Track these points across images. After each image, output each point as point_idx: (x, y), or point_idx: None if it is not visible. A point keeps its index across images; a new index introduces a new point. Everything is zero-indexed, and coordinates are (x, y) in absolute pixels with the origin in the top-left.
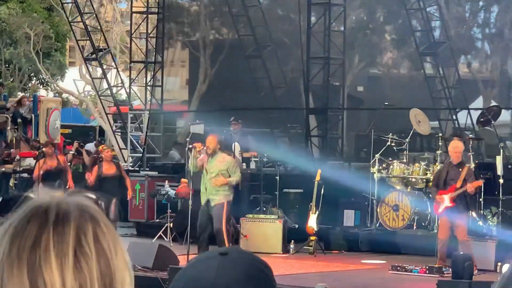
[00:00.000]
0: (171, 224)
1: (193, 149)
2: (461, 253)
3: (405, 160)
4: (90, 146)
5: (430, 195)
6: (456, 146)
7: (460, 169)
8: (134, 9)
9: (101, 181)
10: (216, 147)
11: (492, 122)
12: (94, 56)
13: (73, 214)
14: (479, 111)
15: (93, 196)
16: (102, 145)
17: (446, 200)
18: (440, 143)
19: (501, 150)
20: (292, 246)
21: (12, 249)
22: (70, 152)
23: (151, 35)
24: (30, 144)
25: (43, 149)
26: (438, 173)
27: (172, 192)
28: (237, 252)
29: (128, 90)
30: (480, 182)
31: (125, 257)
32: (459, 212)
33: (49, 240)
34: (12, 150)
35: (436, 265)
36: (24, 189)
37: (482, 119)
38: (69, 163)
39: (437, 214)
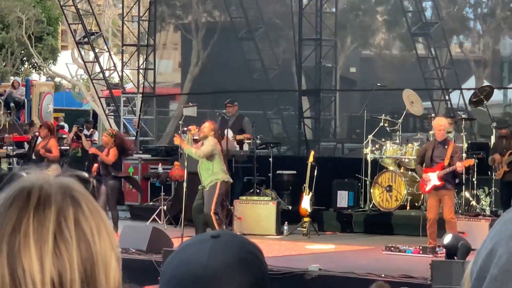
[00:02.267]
0: (165, 207)
1: (187, 132)
2: (450, 235)
3: (398, 141)
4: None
5: (416, 173)
6: (439, 124)
7: (446, 147)
8: None
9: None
10: (209, 134)
11: (485, 102)
12: (86, 39)
13: (55, 198)
14: (472, 91)
15: (85, 175)
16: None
17: (434, 178)
18: (432, 124)
19: (494, 130)
20: (285, 227)
21: None
22: (63, 136)
23: (143, 18)
24: (23, 128)
25: (39, 131)
26: (422, 151)
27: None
28: (229, 235)
29: (120, 74)
30: (472, 161)
31: (111, 240)
32: (447, 190)
33: (28, 225)
34: (5, 134)
35: (429, 245)
36: None
37: (474, 99)
38: (68, 147)
39: (423, 192)
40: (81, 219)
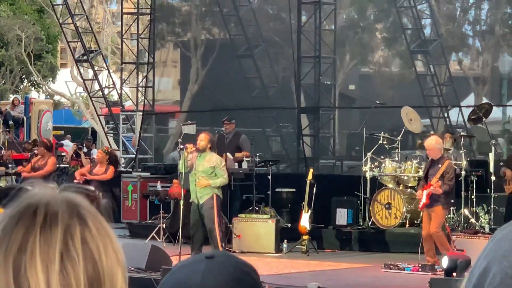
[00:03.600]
0: (164, 225)
1: (184, 150)
2: (446, 258)
3: (397, 158)
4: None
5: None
6: (426, 145)
7: (440, 165)
8: (124, 10)
9: (88, 182)
10: (207, 145)
11: (484, 120)
12: (85, 57)
13: (62, 216)
14: (471, 109)
15: (91, 189)
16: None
17: (424, 196)
18: None
19: (493, 147)
20: (285, 245)
21: None
22: (62, 154)
23: (142, 36)
24: (22, 146)
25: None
26: (424, 169)
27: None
28: (223, 256)
29: (119, 91)
30: (439, 191)
31: (118, 257)
32: (434, 207)
33: (35, 244)
34: (3, 152)
35: (428, 263)
36: None
37: (473, 117)
38: (67, 165)
39: (419, 209)
40: (88, 238)
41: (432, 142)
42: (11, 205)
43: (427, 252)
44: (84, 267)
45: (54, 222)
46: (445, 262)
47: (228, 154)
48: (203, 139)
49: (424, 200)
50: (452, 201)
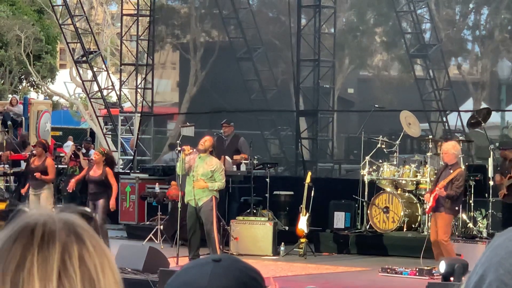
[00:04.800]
0: (162, 227)
1: (181, 152)
2: (444, 263)
3: (395, 162)
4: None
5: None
6: (444, 148)
7: (451, 171)
8: (124, 12)
9: (86, 183)
10: (209, 148)
11: (482, 124)
12: (84, 58)
13: (59, 235)
14: (469, 113)
15: (87, 210)
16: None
17: (430, 200)
18: (430, 145)
19: (491, 152)
20: (282, 248)
21: None
22: (61, 154)
23: (141, 37)
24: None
25: (33, 150)
26: (438, 172)
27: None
28: (230, 260)
29: (118, 93)
30: (443, 193)
31: (115, 276)
32: (440, 212)
33: (33, 262)
34: (1, 152)
35: (427, 267)
36: (15, 191)
37: (472, 121)
38: (66, 166)
39: (427, 213)
40: (86, 256)
41: (449, 147)
42: (9, 225)
43: (437, 257)
44: (82, 285)
45: (51, 240)
46: (442, 266)
47: (227, 157)
48: (208, 140)
49: (431, 203)
50: (457, 208)
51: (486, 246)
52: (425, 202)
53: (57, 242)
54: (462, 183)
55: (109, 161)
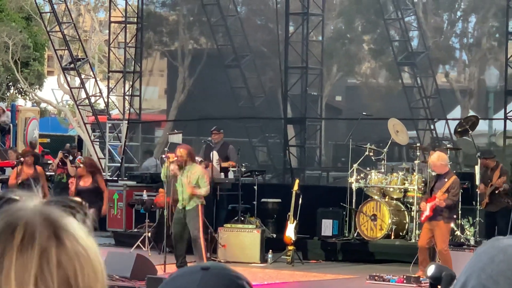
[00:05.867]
0: (149, 234)
1: (166, 159)
2: (433, 268)
3: (383, 170)
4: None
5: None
6: (431, 161)
7: (446, 180)
8: (112, 19)
9: (78, 194)
10: (187, 159)
11: (470, 132)
12: (72, 65)
13: (39, 238)
14: (457, 121)
15: (78, 200)
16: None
17: (427, 209)
18: (418, 153)
19: (479, 160)
20: (270, 255)
21: None
22: (49, 161)
23: (129, 44)
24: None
25: (25, 158)
26: (430, 181)
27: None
28: (219, 268)
29: (106, 100)
30: (445, 195)
31: (97, 275)
32: (437, 221)
33: (11, 265)
34: None
35: (414, 275)
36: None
37: (460, 129)
38: (53, 173)
39: (421, 222)
40: (64, 260)
41: (434, 160)
42: None
43: (421, 263)
44: None
45: (31, 244)
46: (431, 269)
47: (215, 153)
48: (181, 154)
49: (427, 212)
50: (455, 216)
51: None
52: (416, 210)
53: (36, 246)
54: (458, 190)
55: (92, 169)
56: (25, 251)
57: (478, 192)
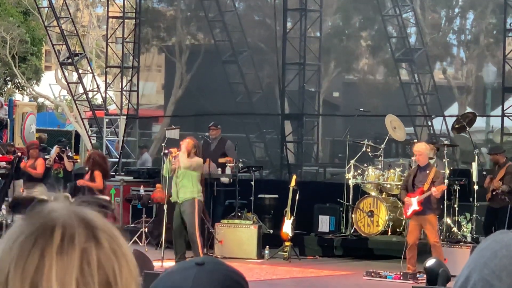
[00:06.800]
0: (146, 229)
1: (168, 154)
2: (433, 260)
3: (380, 166)
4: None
5: (400, 198)
6: (416, 149)
7: (428, 172)
8: (110, 14)
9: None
10: (191, 150)
11: (467, 129)
12: (70, 60)
13: (78, 239)
14: (454, 118)
15: (105, 199)
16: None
17: (414, 203)
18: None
19: (476, 157)
20: (266, 251)
21: (16, 272)
22: (46, 156)
23: (127, 40)
24: (5, 149)
25: (29, 151)
26: (407, 176)
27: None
28: (213, 263)
29: (104, 95)
30: (444, 187)
31: (133, 275)
32: (427, 215)
33: (51, 268)
34: None
35: (408, 271)
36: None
37: (457, 126)
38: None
39: (406, 217)
40: (103, 261)
41: (423, 147)
42: (28, 218)
43: (409, 260)
44: None
45: (71, 245)
46: (431, 262)
47: (211, 161)
48: (188, 143)
49: (415, 207)
50: (441, 206)
51: (471, 250)
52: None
53: (77, 247)
54: (443, 180)
55: (96, 164)
56: (65, 252)
57: (479, 188)
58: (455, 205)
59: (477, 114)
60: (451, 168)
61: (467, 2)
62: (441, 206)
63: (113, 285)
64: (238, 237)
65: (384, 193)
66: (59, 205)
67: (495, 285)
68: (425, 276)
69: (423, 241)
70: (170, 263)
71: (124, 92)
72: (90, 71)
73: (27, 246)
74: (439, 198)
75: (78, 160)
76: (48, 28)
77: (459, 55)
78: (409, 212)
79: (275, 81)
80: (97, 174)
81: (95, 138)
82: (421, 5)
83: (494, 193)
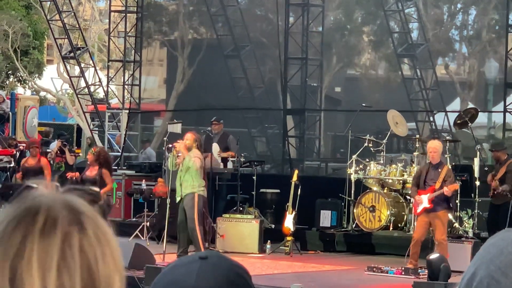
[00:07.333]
0: (148, 223)
1: (172, 149)
2: (437, 254)
3: (382, 161)
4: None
5: (410, 194)
6: (433, 147)
7: (440, 170)
8: (112, 8)
9: (81, 182)
10: (193, 144)
11: (469, 124)
12: (72, 54)
13: (61, 222)
14: (456, 113)
15: (95, 189)
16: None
17: (424, 200)
18: (417, 145)
19: (478, 152)
20: (268, 246)
21: None
22: (48, 150)
23: (129, 34)
24: (7, 142)
25: (30, 150)
26: (418, 172)
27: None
28: (217, 257)
29: (105, 89)
30: (457, 186)
31: (116, 263)
32: (437, 212)
33: (32, 251)
34: None
35: (410, 266)
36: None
37: (459, 121)
38: (51, 162)
39: (415, 214)
40: (86, 246)
41: (437, 144)
42: (13, 203)
43: (412, 256)
44: (81, 275)
45: (53, 229)
46: (434, 255)
47: (215, 145)
48: (189, 138)
49: (426, 204)
50: (455, 203)
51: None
52: (411, 202)
53: (59, 231)
54: (454, 179)
55: (102, 161)
56: (47, 235)
57: (481, 184)
58: (457, 201)
59: (479, 110)
60: (453, 163)
61: None
62: (454, 203)
63: (95, 272)
64: (240, 231)
65: (386, 188)
66: (46, 191)
67: (501, 282)
68: (426, 271)
69: (426, 237)
70: (171, 257)
71: (126, 86)
72: (92, 65)
73: (8, 229)
74: (451, 197)
75: (80, 154)
76: (50, 21)
77: (461, 50)
78: (419, 209)
79: (277, 76)
80: (106, 174)
81: (96, 132)
82: (423, 1)
83: (495, 192)
